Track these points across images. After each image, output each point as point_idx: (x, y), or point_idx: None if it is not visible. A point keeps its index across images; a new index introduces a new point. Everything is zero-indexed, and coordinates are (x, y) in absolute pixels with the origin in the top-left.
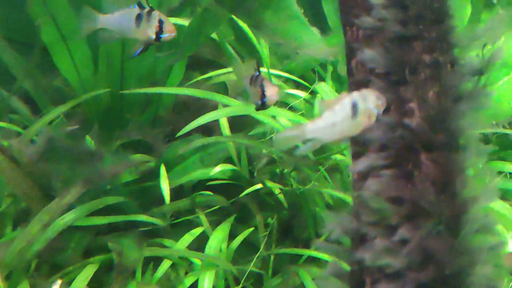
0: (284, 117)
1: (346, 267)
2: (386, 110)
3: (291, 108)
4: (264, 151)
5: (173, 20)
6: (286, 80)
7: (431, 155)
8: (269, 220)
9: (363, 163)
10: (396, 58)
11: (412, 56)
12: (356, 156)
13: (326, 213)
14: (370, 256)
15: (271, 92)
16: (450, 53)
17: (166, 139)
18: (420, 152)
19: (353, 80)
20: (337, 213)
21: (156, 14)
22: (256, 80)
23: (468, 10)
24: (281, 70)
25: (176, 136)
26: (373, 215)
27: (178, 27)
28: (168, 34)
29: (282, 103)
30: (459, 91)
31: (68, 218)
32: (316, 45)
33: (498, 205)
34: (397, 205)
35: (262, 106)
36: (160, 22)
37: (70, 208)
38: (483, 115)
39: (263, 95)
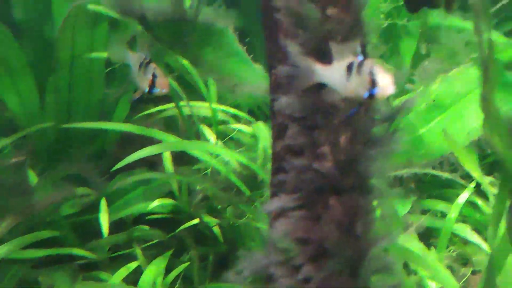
0: (222, 153)
1: None
2: (300, 154)
3: (237, 142)
4: (198, 187)
5: None
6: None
7: (340, 198)
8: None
9: (274, 204)
10: (310, 104)
11: (326, 102)
12: (272, 196)
13: (241, 251)
14: None
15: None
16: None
17: (108, 173)
18: (329, 195)
19: (275, 123)
20: (252, 251)
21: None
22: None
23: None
24: (229, 105)
25: (112, 170)
26: (280, 254)
27: (123, 64)
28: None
29: (231, 138)
30: (370, 136)
31: (1, 251)
32: (257, 82)
33: (415, 245)
34: (303, 246)
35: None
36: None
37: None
38: (397, 158)
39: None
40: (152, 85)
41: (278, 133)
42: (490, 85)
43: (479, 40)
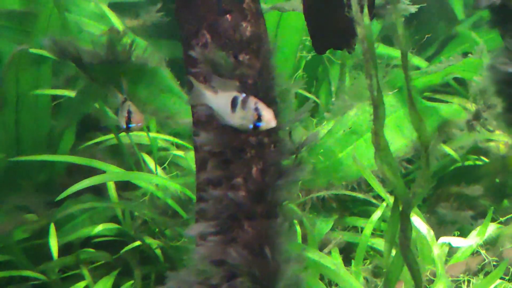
0: (157, 181)
1: None
2: (218, 185)
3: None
4: (136, 213)
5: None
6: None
7: (252, 223)
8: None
9: (195, 229)
10: (226, 140)
11: (240, 138)
12: (196, 222)
13: (168, 272)
14: None
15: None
16: (273, 135)
17: (54, 201)
18: (243, 221)
19: (198, 156)
20: (177, 272)
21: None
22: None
23: None
24: (170, 133)
25: (57, 199)
26: (200, 275)
27: (68, 99)
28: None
29: (171, 163)
30: (279, 167)
31: None
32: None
33: (329, 261)
34: (219, 267)
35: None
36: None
37: None
38: (318, 180)
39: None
40: (128, 120)
41: (200, 166)
42: (380, 122)
43: (405, 72)
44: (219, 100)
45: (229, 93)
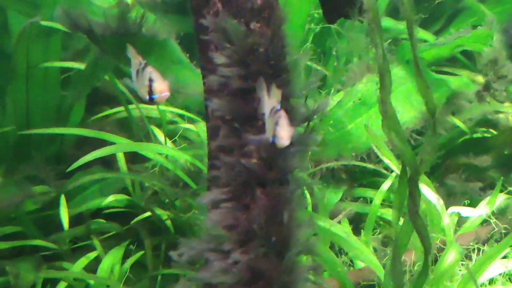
0: (167, 152)
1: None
2: (230, 152)
3: (186, 140)
4: (146, 184)
5: (75, 64)
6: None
7: (265, 190)
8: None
9: (207, 197)
10: (238, 108)
11: (252, 106)
12: (208, 190)
13: (181, 239)
14: (209, 276)
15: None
16: (285, 102)
17: (64, 172)
18: (256, 188)
19: (209, 125)
20: (190, 239)
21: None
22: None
23: None
24: (178, 106)
25: (68, 170)
26: (213, 241)
27: (77, 71)
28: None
29: (180, 136)
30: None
31: None
32: (198, 86)
33: (340, 229)
34: (232, 232)
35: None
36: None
37: None
38: (328, 151)
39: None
40: (150, 91)
41: (212, 134)
42: (387, 90)
43: (411, 40)
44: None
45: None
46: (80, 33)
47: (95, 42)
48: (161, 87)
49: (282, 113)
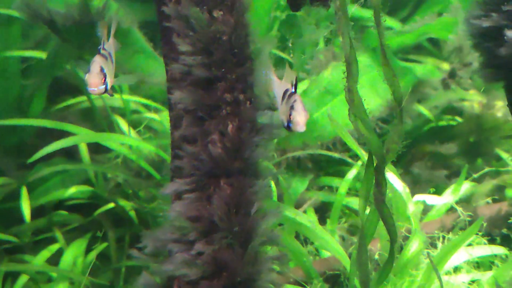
0: (129, 142)
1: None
2: (193, 142)
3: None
4: (109, 175)
5: (36, 53)
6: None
7: (229, 180)
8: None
9: (170, 188)
10: (201, 97)
11: (215, 95)
12: (171, 180)
13: (144, 231)
14: (172, 268)
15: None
16: (249, 91)
17: (25, 164)
18: (220, 178)
19: (172, 114)
20: (153, 231)
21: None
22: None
23: None
24: (143, 95)
25: (29, 161)
26: (176, 232)
27: (38, 61)
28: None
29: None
30: (254, 124)
31: None
32: (162, 75)
33: (305, 219)
34: (195, 224)
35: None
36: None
37: None
38: (294, 140)
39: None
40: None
41: (175, 123)
42: (353, 79)
43: (378, 28)
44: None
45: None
46: (39, 22)
47: (56, 32)
48: (93, 80)
49: (297, 97)
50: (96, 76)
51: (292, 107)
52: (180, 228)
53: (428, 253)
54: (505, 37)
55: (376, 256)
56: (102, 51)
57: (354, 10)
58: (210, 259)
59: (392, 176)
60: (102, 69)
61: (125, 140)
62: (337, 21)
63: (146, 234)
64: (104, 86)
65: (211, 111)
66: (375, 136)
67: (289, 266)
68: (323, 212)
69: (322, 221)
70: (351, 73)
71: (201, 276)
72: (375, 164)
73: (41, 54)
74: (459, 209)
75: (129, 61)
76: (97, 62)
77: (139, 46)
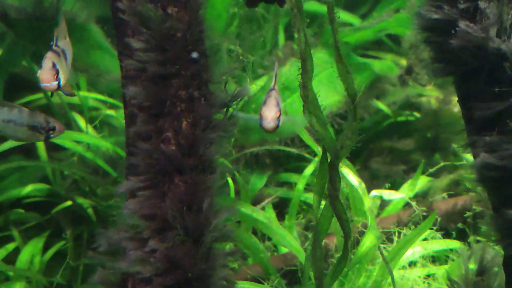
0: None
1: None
2: (147, 139)
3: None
4: (65, 172)
5: None
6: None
7: (183, 177)
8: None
9: (125, 186)
10: (155, 94)
11: (170, 92)
12: (126, 178)
13: (98, 229)
14: (126, 266)
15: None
16: (203, 88)
17: None
18: (174, 175)
19: (127, 111)
20: (107, 229)
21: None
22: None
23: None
24: (100, 92)
25: None
26: (130, 230)
27: None
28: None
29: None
30: (209, 121)
31: None
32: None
33: (260, 215)
34: (149, 221)
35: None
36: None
37: None
38: (252, 136)
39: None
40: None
41: (129, 121)
42: (308, 75)
43: (332, 25)
44: None
45: None
46: None
47: (10, 26)
48: (46, 76)
49: (272, 92)
50: (48, 72)
51: (264, 102)
52: (133, 226)
53: (380, 248)
54: (457, 29)
55: (333, 252)
56: (54, 47)
57: (314, 6)
58: (163, 257)
59: (348, 172)
60: (54, 65)
61: (82, 137)
62: (292, 18)
63: (100, 233)
64: (56, 82)
65: (165, 108)
66: (328, 132)
67: (247, 262)
68: (282, 208)
69: (281, 217)
70: (306, 70)
71: (155, 273)
72: (329, 161)
73: None
74: (414, 204)
75: (87, 56)
76: (49, 58)
77: (95, 41)
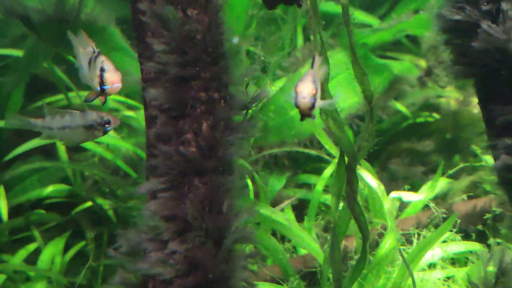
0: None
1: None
2: (168, 141)
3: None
4: (86, 173)
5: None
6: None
7: (203, 179)
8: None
9: (145, 187)
10: (176, 96)
11: (190, 94)
12: (146, 179)
13: (119, 230)
14: (146, 267)
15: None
16: (223, 90)
17: (3, 161)
18: (194, 177)
19: (147, 113)
20: (128, 230)
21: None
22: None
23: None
24: (120, 94)
25: (5, 159)
26: (150, 231)
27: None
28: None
29: (123, 124)
30: (229, 123)
31: None
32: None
33: (280, 216)
34: (170, 223)
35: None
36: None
37: None
38: (271, 138)
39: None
40: (101, 81)
41: (149, 122)
42: (325, 77)
43: (347, 27)
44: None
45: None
46: (15, 19)
47: (32, 29)
48: (113, 78)
49: (311, 71)
50: (116, 74)
51: (300, 80)
52: (154, 227)
53: (400, 250)
54: (479, 30)
55: (352, 254)
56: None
57: (333, 7)
58: (184, 258)
59: (367, 174)
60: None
61: (103, 139)
62: (308, 20)
63: (121, 234)
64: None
65: (186, 109)
66: (345, 134)
67: (266, 264)
68: (301, 209)
69: (300, 218)
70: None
71: (175, 274)
72: (346, 162)
73: (18, 52)
74: (433, 205)
75: None
76: (107, 60)
77: (116, 43)
